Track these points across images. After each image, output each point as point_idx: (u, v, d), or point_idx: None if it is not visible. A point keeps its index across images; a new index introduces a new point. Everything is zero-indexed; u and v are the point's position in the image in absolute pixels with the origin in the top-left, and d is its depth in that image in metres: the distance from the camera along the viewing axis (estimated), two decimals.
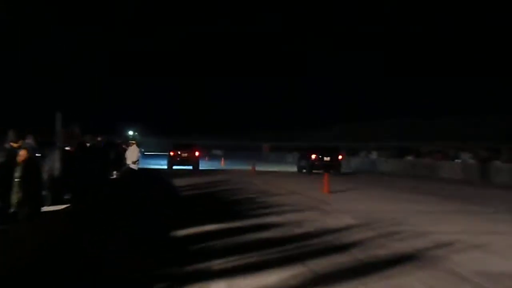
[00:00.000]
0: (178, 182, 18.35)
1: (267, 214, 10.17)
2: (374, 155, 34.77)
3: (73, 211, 7.90)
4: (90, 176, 9.55)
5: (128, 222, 9.14)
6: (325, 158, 26.23)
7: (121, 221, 9.23)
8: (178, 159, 28.89)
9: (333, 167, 25.46)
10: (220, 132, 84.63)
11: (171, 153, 29.34)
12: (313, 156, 26.70)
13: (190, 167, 28.51)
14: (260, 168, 29.49)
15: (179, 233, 7.99)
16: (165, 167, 29.16)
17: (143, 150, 45.41)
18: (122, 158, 16.50)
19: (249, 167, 28.49)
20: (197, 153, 29.68)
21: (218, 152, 68.71)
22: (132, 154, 15.94)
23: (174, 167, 28.60)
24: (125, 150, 17.04)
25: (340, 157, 27.18)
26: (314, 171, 26.11)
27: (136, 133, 73.23)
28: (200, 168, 28.89)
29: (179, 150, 29.38)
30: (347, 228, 8.71)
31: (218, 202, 12.70)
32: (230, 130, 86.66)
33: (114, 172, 14.54)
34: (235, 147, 67.35)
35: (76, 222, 7.94)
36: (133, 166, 15.89)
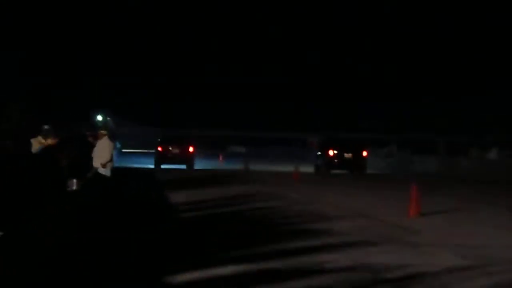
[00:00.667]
0: (176, 196, 18.41)
1: (318, 250, 10.04)
2: (493, 153, 34.55)
3: None
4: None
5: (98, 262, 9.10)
6: (346, 155, 29.76)
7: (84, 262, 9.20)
8: (168, 156, 33.76)
9: (356, 167, 28.73)
10: (237, 121, 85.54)
11: (159, 149, 34.00)
12: (331, 153, 30.35)
13: (183, 166, 33.38)
14: (305, 170, 29.45)
15: (176, 279, 7.91)
16: (152, 166, 34.15)
17: (119, 145, 45.83)
18: (87, 159, 16.55)
19: (283, 169, 28.58)
20: (191, 149, 34.13)
21: (238, 148, 69.23)
22: (102, 152, 15.91)
23: (163, 166, 33.26)
24: (92, 146, 17.04)
25: (364, 153, 30.97)
26: (332, 171, 29.88)
27: (109, 119, 73.77)
28: (195, 167, 33.64)
29: (169, 145, 34.05)
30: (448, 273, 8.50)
31: (237, 229, 12.64)
32: (253, 119, 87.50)
33: (74, 182, 14.50)
34: (263, 142, 67.73)
35: None
36: (102, 171, 15.85)
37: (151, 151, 43.78)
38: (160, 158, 33.72)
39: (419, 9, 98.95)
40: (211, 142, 73.80)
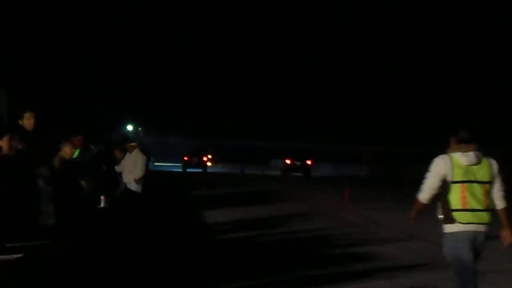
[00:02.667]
0: (214, 215, 18.38)
1: None
2: None
3: None
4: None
5: None
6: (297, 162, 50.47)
7: None
8: (191, 163, 57.05)
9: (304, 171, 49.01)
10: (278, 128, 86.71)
11: (185, 158, 57.21)
12: (288, 161, 49.94)
13: (200, 170, 55.73)
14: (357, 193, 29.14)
15: None
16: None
17: (152, 158, 46.13)
18: (116, 173, 16.58)
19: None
20: (205, 159, 58.17)
21: (278, 162, 69.07)
22: (133, 166, 15.86)
23: (188, 170, 55.32)
24: (119, 159, 17.04)
25: (309, 161, 49.91)
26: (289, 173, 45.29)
27: (140, 129, 74.11)
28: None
29: (191, 156, 57.81)
30: None
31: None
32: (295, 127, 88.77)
33: (102, 199, 14.59)
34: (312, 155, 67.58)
35: None
36: (134, 187, 15.78)
37: (197, 170, 57.96)
38: (186, 165, 56.19)
39: (419, 9, 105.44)
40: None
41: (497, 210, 6.92)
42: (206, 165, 57.57)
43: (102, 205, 14.35)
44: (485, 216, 6.69)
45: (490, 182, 6.81)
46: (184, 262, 11.15)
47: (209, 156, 61.02)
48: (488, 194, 6.77)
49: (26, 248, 10.25)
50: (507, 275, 10.55)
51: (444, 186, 6.82)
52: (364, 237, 15.10)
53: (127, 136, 47.70)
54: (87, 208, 12.00)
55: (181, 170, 55.44)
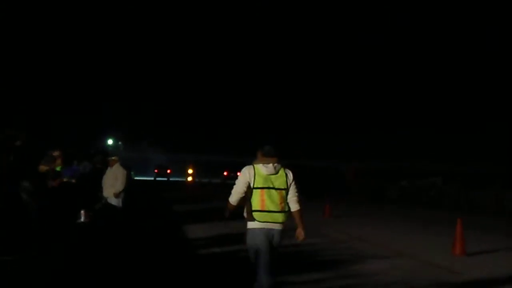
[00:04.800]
0: (194, 229, 18.31)
1: None
2: None
3: None
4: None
5: None
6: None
7: None
8: (159, 173, 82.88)
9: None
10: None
11: (155, 170, 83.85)
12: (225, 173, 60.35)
13: (165, 178, 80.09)
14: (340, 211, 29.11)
15: None
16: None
17: (133, 173, 46.00)
18: (97, 187, 16.46)
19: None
20: (168, 171, 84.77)
21: None
22: (114, 180, 15.78)
23: (158, 178, 78.24)
24: (100, 172, 16.95)
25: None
26: None
27: (120, 143, 74.68)
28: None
29: (159, 168, 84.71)
30: None
31: None
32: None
33: (82, 213, 14.48)
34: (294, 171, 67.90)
35: None
36: (114, 201, 15.71)
37: (163, 178, 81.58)
38: (156, 175, 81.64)
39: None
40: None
41: (292, 212, 8.32)
42: (169, 175, 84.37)
43: (82, 219, 14.20)
44: (280, 217, 8.09)
45: (286, 189, 8.18)
46: (164, 278, 11.08)
47: (170, 170, 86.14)
48: (284, 198, 8.15)
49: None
50: None
51: (248, 191, 8.11)
52: (347, 253, 15.06)
53: (107, 150, 47.51)
54: (66, 222, 11.87)
55: (152, 178, 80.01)
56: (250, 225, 8.17)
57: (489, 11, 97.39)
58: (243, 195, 8.22)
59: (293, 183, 8.36)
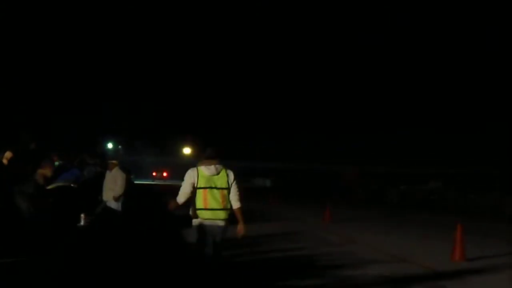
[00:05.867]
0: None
1: None
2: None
3: None
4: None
5: None
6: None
7: None
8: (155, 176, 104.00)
9: None
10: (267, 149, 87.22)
11: (153, 173, 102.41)
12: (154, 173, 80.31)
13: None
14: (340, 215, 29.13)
15: None
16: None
17: (133, 176, 46.09)
18: (97, 191, 16.47)
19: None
20: (164, 174, 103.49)
21: (262, 181, 69.13)
22: (113, 184, 15.77)
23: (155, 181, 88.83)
24: (100, 176, 16.96)
25: None
26: None
27: (120, 147, 74.32)
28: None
29: (154, 171, 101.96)
30: None
31: None
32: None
33: (82, 216, 14.47)
34: (294, 174, 67.82)
35: None
36: (114, 205, 15.71)
37: (160, 183, 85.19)
38: (154, 178, 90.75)
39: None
40: None
41: (234, 209, 9.18)
42: (165, 178, 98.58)
43: (82, 223, 14.21)
44: (221, 214, 8.99)
45: (227, 188, 9.04)
46: (161, 281, 11.10)
47: (167, 173, 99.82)
48: (225, 197, 9.01)
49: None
50: None
51: (193, 191, 8.99)
52: (347, 258, 15.05)
53: (106, 153, 47.51)
54: (65, 226, 11.89)
55: (151, 181, 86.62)
56: (194, 222, 9.11)
57: (489, 11, 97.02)
58: (190, 195, 9.05)
59: (234, 182, 9.18)
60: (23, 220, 10.65)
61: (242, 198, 9.25)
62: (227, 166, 9.23)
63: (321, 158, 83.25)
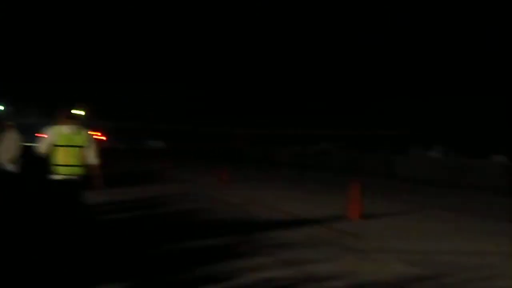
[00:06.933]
0: (94, 195, 18.23)
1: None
2: (436, 152, 35.75)
3: None
4: None
5: None
6: None
7: None
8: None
9: None
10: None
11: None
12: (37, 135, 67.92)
13: None
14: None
15: None
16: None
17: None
18: None
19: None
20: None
21: (155, 143, 69.00)
22: (9, 146, 15.58)
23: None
24: None
25: None
26: None
27: (11, 108, 72.37)
28: None
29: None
30: (399, 281, 8.82)
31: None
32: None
33: None
34: (187, 136, 67.92)
35: None
36: (10, 168, 15.55)
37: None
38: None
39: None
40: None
41: (91, 165, 9.94)
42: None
43: None
44: (77, 170, 9.73)
45: (84, 146, 9.81)
46: (63, 243, 11.11)
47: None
48: (82, 154, 9.77)
49: None
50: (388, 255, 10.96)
51: (52, 149, 9.66)
52: (243, 217, 15.37)
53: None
54: None
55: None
56: (54, 177, 9.74)
57: (489, 11, 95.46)
58: (47, 151, 9.78)
59: (91, 141, 10.05)
60: None
61: (98, 155, 10.05)
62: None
63: (215, 121, 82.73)
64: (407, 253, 11.06)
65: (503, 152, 32.12)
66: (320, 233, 13.24)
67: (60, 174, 9.65)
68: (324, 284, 8.53)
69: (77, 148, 9.73)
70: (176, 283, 8.46)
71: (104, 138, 75.01)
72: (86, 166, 9.89)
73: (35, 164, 11.56)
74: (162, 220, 14.64)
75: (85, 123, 10.41)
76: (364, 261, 10.29)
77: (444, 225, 15.16)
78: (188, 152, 55.78)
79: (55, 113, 10.27)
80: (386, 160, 36.56)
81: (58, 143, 9.63)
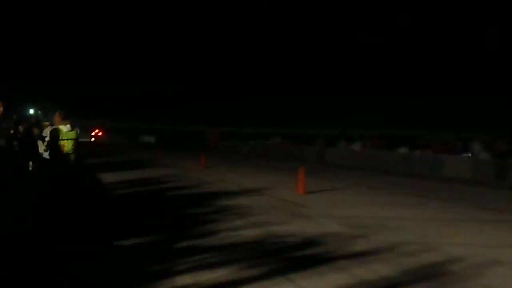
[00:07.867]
0: (106, 176, 18.30)
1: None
2: (356, 145, 35.95)
3: None
4: None
5: None
6: None
7: None
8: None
9: None
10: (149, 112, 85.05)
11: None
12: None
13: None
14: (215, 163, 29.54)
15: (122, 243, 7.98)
16: None
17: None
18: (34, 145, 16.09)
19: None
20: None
21: (147, 138, 68.48)
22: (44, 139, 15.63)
23: None
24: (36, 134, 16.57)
25: None
26: None
27: (40, 112, 71.12)
28: None
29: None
30: (337, 237, 9.03)
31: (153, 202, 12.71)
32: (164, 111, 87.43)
33: (30, 164, 14.19)
34: (173, 133, 67.54)
35: None
36: (45, 155, 15.57)
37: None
38: None
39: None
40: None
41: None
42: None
43: (31, 168, 14.20)
44: (73, 156, 10.80)
45: (76, 139, 10.83)
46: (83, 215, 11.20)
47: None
48: (75, 145, 10.81)
49: None
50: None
51: (57, 142, 10.64)
52: (220, 192, 15.45)
53: (38, 118, 45.40)
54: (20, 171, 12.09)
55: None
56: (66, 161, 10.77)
57: (489, 11, 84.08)
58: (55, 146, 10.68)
59: (79, 135, 11.03)
60: None
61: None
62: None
63: (195, 122, 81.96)
64: (342, 218, 11.28)
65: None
66: (276, 203, 13.43)
67: (67, 159, 10.71)
68: (284, 239, 8.78)
69: (72, 141, 10.76)
70: (180, 237, 8.57)
71: (101, 134, 70.70)
72: (76, 153, 11.00)
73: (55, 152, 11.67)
74: (160, 194, 14.76)
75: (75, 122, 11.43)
76: (310, 223, 10.52)
77: (370, 198, 15.41)
78: (174, 145, 55.50)
79: (67, 113, 10.73)
80: (319, 152, 37.09)
81: (61, 138, 10.63)
